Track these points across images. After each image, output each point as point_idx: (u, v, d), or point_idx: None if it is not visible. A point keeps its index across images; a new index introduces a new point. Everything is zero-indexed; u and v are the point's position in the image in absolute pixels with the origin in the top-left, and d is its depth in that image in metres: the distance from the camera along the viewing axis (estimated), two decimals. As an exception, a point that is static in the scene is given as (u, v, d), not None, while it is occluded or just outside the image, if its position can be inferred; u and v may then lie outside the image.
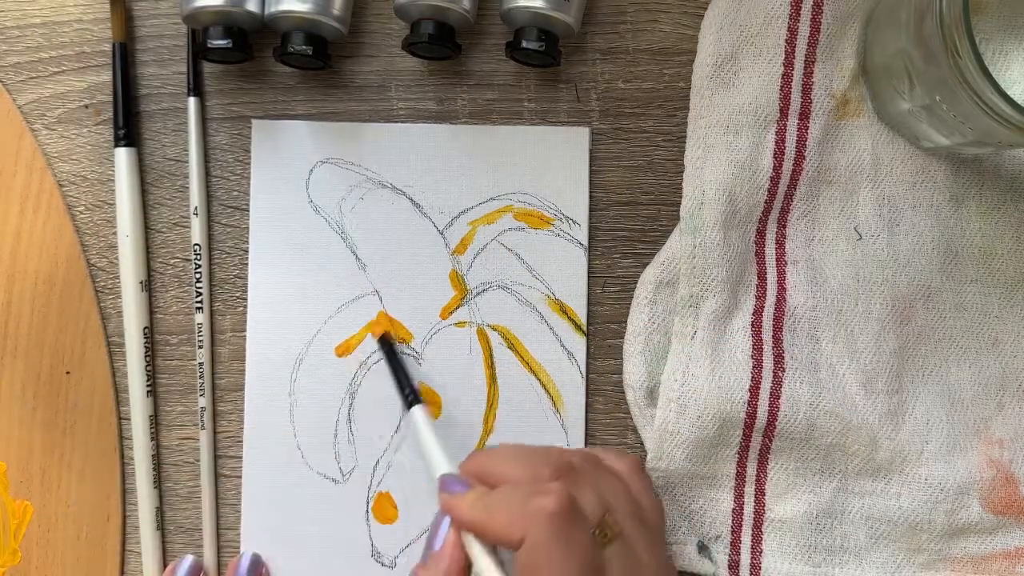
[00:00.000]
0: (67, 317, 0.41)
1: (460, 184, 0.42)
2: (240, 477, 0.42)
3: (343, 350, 0.42)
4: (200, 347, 0.41)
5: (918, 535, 0.40)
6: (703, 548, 0.41)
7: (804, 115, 0.40)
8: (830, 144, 0.41)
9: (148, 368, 0.41)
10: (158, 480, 0.42)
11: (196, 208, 0.42)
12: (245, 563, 0.40)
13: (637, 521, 0.35)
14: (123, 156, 0.41)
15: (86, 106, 0.42)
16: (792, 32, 0.40)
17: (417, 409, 0.39)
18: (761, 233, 0.41)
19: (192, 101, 0.42)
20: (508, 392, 0.42)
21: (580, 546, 0.32)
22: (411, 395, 0.40)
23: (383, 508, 0.41)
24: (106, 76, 0.42)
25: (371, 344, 0.42)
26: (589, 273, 0.42)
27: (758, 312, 0.41)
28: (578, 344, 0.42)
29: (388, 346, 0.41)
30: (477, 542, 0.34)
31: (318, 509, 0.41)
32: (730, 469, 0.41)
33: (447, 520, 0.35)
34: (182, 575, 0.40)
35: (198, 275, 0.41)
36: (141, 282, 0.41)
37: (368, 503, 0.41)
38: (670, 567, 0.36)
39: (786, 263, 0.41)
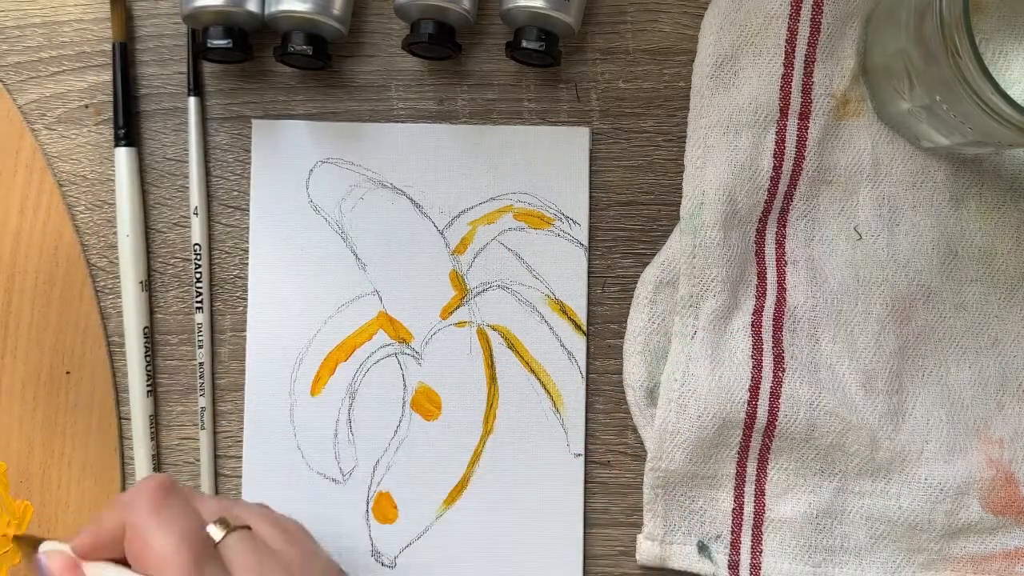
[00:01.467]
0: (67, 317, 0.41)
1: (460, 184, 0.42)
2: (240, 477, 0.41)
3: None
4: (200, 347, 0.41)
5: (918, 535, 0.40)
6: (703, 548, 0.41)
7: (804, 115, 0.40)
8: (830, 144, 0.41)
9: (148, 368, 0.41)
10: (158, 480, 0.42)
11: (196, 208, 0.42)
12: (245, 563, 0.40)
13: (277, 528, 0.34)
14: (123, 156, 0.41)
15: (86, 106, 0.42)
16: (792, 32, 0.40)
17: None
18: (761, 233, 0.41)
19: (192, 101, 0.42)
20: (508, 392, 0.42)
21: (181, 515, 0.31)
22: None
23: (383, 508, 0.41)
24: (106, 76, 0.42)
25: (371, 345, 0.42)
26: (589, 273, 0.42)
27: (758, 312, 0.41)
28: (578, 344, 0.42)
29: None
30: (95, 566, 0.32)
31: (318, 509, 0.41)
32: (730, 469, 0.41)
33: (42, 559, 0.33)
34: None
35: (198, 275, 0.41)
36: (141, 282, 0.41)
37: (368, 503, 0.41)
38: (327, 562, 0.35)
39: (786, 263, 0.41)
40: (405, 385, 0.42)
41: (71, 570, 0.32)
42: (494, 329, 0.42)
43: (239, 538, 0.32)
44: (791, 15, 0.40)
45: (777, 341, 0.40)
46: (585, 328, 0.42)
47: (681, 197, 0.41)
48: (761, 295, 0.41)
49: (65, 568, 0.32)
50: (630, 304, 0.42)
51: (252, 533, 0.33)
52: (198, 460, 0.42)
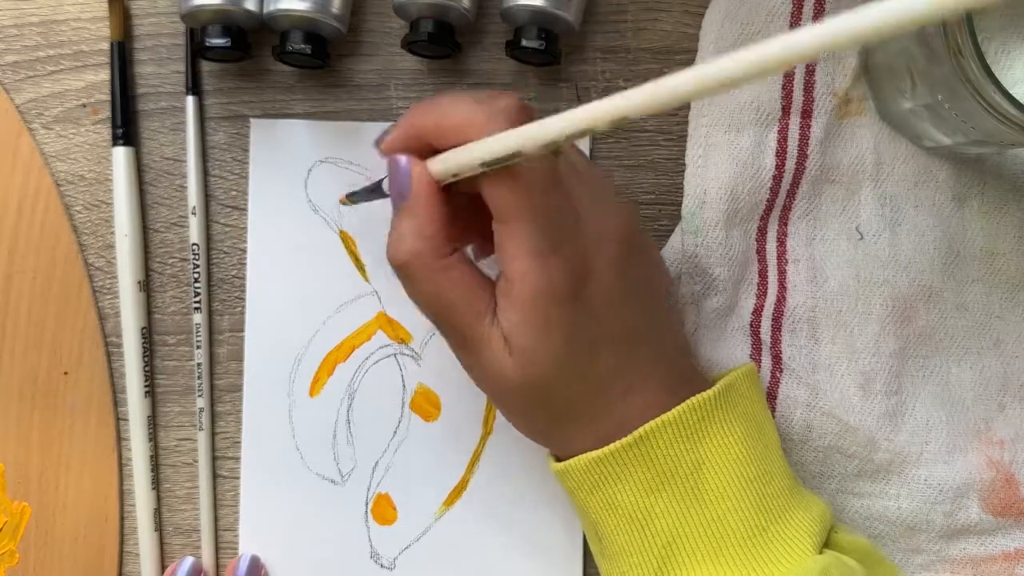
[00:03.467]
0: (65, 317, 0.41)
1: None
2: (238, 478, 0.41)
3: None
4: (198, 347, 0.41)
5: (917, 536, 0.40)
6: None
7: (807, 114, 0.40)
8: (832, 143, 0.41)
9: (146, 369, 0.41)
10: (156, 481, 0.41)
11: (194, 208, 0.41)
12: (244, 564, 0.40)
13: (576, 149, 0.35)
14: (121, 155, 0.41)
15: (84, 105, 0.42)
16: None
17: None
18: (762, 232, 0.41)
19: (190, 100, 0.42)
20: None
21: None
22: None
23: (382, 509, 0.41)
24: (104, 75, 0.42)
25: (370, 345, 0.42)
26: (589, 273, 0.42)
27: (757, 312, 0.40)
28: (578, 344, 0.42)
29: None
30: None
31: (317, 510, 0.41)
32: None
33: (402, 159, 0.32)
34: None
35: (196, 275, 0.41)
36: (139, 282, 0.41)
37: (367, 504, 0.41)
38: (617, 189, 0.36)
39: (787, 262, 0.41)
40: (404, 386, 0.42)
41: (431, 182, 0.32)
42: (494, 329, 0.42)
43: (563, 161, 0.32)
44: (792, 13, 0.40)
45: (776, 341, 0.40)
46: (585, 328, 0.42)
47: (682, 197, 0.41)
48: (762, 294, 0.41)
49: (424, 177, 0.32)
50: (630, 304, 0.42)
51: (567, 157, 0.33)
52: (196, 461, 0.41)
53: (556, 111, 0.27)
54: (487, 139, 0.30)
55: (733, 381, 0.34)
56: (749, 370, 0.35)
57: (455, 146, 0.31)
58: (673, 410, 0.33)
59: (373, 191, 0.37)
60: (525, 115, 0.31)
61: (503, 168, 0.30)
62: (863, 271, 0.41)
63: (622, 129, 0.42)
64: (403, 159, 0.32)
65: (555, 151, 0.31)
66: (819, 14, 0.40)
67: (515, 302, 0.31)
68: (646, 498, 0.33)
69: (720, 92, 0.24)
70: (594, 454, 0.33)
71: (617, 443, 0.33)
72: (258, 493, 0.41)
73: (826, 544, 0.34)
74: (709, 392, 0.33)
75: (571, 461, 0.34)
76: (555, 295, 0.31)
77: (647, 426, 0.32)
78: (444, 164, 0.32)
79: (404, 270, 0.33)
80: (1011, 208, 0.41)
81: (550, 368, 0.32)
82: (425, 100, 0.33)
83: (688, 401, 0.33)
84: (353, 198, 0.39)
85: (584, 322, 0.32)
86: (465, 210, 0.34)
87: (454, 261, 0.32)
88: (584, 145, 0.41)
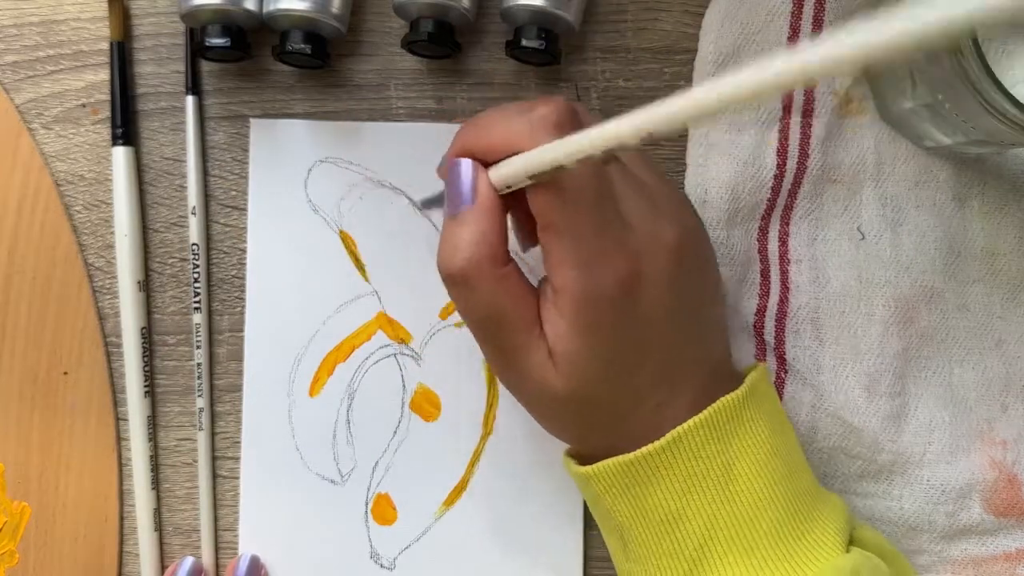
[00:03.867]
0: (64, 317, 0.41)
1: (460, 183, 0.42)
2: (238, 478, 0.41)
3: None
4: (198, 347, 0.41)
5: (919, 536, 0.40)
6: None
7: (807, 113, 0.40)
8: (834, 143, 0.41)
9: (146, 369, 0.41)
10: (156, 481, 0.41)
11: (194, 207, 0.41)
12: (244, 565, 0.40)
13: (634, 155, 0.34)
14: (121, 155, 0.41)
15: (83, 105, 0.42)
16: (794, 29, 0.40)
17: None
18: (764, 231, 0.41)
19: (190, 100, 0.42)
20: (508, 393, 0.41)
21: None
22: None
23: (382, 509, 0.41)
24: (104, 75, 0.42)
25: (370, 345, 0.42)
26: (589, 273, 0.42)
27: (760, 312, 0.40)
28: (578, 344, 0.41)
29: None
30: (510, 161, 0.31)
31: (317, 510, 0.41)
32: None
33: (466, 164, 0.32)
34: None
35: (196, 275, 0.41)
36: (139, 282, 0.41)
37: (367, 504, 0.41)
38: (681, 195, 0.34)
39: (789, 262, 0.41)
40: (404, 386, 0.41)
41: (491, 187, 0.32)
42: (494, 329, 0.42)
43: (615, 169, 0.32)
44: (793, 12, 0.40)
45: (780, 342, 0.40)
46: (585, 328, 0.42)
47: (682, 197, 0.41)
48: (764, 295, 0.41)
49: (484, 183, 0.32)
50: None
51: (624, 167, 0.32)
52: (196, 461, 0.41)
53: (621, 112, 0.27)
54: (530, 153, 0.30)
55: (756, 381, 0.34)
56: (764, 370, 0.35)
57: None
58: (705, 411, 0.32)
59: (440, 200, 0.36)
60: (569, 121, 0.30)
61: (549, 178, 0.30)
62: (865, 272, 0.40)
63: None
64: (467, 164, 0.32)
65: (606, 159, 0.31)
66: (820, 14, 0.40)
67: (561, 311, 0.31)
68: (678, 500, 0.32)
69: (752, 102, 0.23)
70: (625, 458, 0.32)
71: (650, 446, 0.32)
72: (258, 493, 0.41)
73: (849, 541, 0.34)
74: (738, 392, 0.33)
75: (599, 465, 0.33)
76: (600, 304, 0.31)
77: (680, 428, 0.32)
78: (497, 175, 0.32)
79: (460, 278, 0.32)
80: (1012, 208, 0.41)
81: (594, 377, 0.32)
82: (473, 118, 0.33)
83: (719, 402, 0.32)
84: (427, 204, 0.40)
85: (630, 332, 0.31)
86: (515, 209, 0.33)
87: (511, 271, 0.32)
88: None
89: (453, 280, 0.32)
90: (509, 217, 0.34)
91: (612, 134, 0.26)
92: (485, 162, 0.32)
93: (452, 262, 0.32)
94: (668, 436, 0.32)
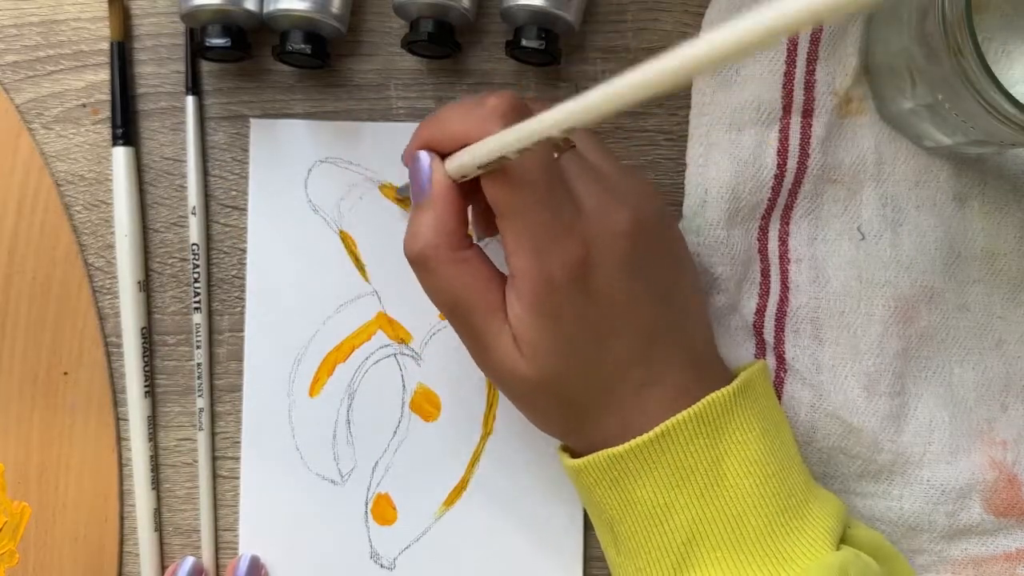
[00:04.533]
0: (65, 317, 0.41)
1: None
2: (238, 478, 0.41)
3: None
4: (198, 347, 0.41)
5: (919, 536, 0.40)
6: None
7: (807, 113, 0.40)
8: (834, 143, 0.41)
9: (146, 369, 0.41)
10: (156, 481, 0.41)
11: (194, 208, 0.41)
12: (244, 565, 0.40)
13: (592, 138, 0.35)
14: (121, 155, 0.41)
15: (84, 105, 0.42)
16: (794, 30, 0.40)
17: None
18: (764, 231, 0.41)
19: (190, 100, 0.42)
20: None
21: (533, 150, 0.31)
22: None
23: (382, 509, 0.41)
24: (104, 75, 0.42)
25: (370, 345, 0.42)
26: (589, 273, 0.42)
27: (760, 311, 0.40)
28: (578, 344, 0.41)
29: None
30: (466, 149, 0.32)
31: (317, 510, 0.41)
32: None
33: (423, 156, 0.34)
34: None
35: (196, 275, 0.41)
36: (139, 282, 0.41)
37: (367, 504, 0.41)
38: (642, 182, 0.35)
39: (789, 261, 0.41)
40: (404, 386, 0.41)
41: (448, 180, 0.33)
42: (494, 329, 0.42)
43: (570, 157, 0.33)
44: (793, 13, 0.40)
45: (779, 341, 0.40)
46: (585, 328, 0.42)
47: (683, 196, 0.41)
48: (764, 294, 0.41)
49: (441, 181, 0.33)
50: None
51: (580, 155, 0.34)
52: (196, 461, 0.41)
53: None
54: (475, 144, 0.31)
55: (751, 378, 0.34)
56: (763, 367, 0.35)
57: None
58: (694, 406, 0.32)
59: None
60: (512, 112, 0.32)
61: (498, 167, 0.31)
62: (865, 272, 0.40)
63: (622, 129, 0.42)
64: (424, 156, 0.34)
65: (555, 146, 0.32)
66: (819, 14, 0.40)
67: (519, 296, 0.32)
68: (666, 494, 0.33)
69: (661, 93, 0.24)
70: (614, 451, 0.33)
71: (638, 439, 0.32)
72: (258, 493, 0.41)
73: (842, 539, 0.34)
74: (729, 388, 0.33)
75: (589, 458, 0.34)
76: (555, 287, 0.31)
77: (669, 422, 0.32)
78: (451, 165, 0.33)
79: (420, 261, 0.33)
80: (1012, 208, 0.41)
81: (557, 361, 0.32)
82: (433, 112, 0.35)
83: (708, 397, 0.33)
84: (402, 192, 0.41)
85: (589, 314, 0.32)
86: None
87: (470, 255, 0.33)
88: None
89: (415, 263, 0.34)
90: (471, 208, 0.35)
91: (536, 128, 0.28)
92: (444, 153, 0.34)
93: (413, 246, 0.33)
94: (657, 429, 0.32)
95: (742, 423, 0.33)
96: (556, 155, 0.33)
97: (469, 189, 0.34)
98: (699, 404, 0.33)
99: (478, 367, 0.35)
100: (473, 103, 0.33)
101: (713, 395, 0.33)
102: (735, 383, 0.33)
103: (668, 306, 0.34)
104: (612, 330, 0.33)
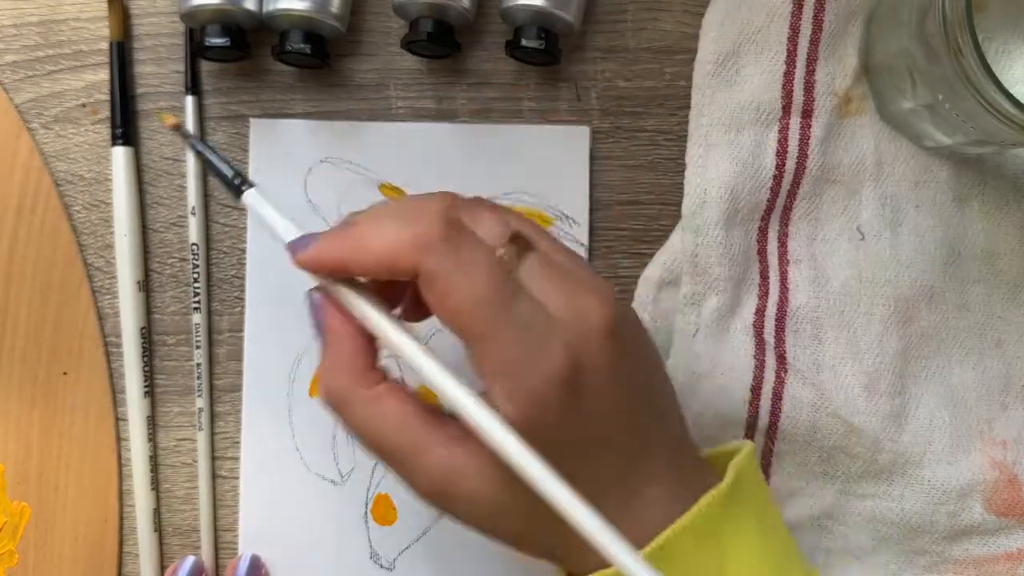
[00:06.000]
0: (64, 317, 0.41)
1: (459, 183, 0.42)
2: (238, 478, 0.41)
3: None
4: (198, 347, 0.41)
5: (920, 537, 0.40)
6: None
7: (807, 113, 0.40)
8: (833, 143, 0.41)
9: (145, 369, 0.41)
10: (156, 482, 0.41)
11: (194, 208, 0.41)
12: (244, 565, 0.40)
13: (548, 238, 0.31)
14: (120, 155, 0.41)
15: (83, 105, 0.42)
16: (794, 29, 0.40)
17: (250, 194, 0.32)
18: (763, 231, 0.41)
19: (190, 100, 0.42)
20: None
21: (477, 250, 0.29)
22: (239, 179, 0.32)
23: (382, 510, 0.41)
24: (103, 75, 0.42)
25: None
26: (589, 273, 0.42)
27: (760, 312, 0.40)
28: (578, 344, 0.41)
29: (187, 136, 0.38)
30: (362, 298, 0.30)
31: (316, 511, 0.41)
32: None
33: (315, 298, 0.31)
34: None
35: (196, 275, 0.41)
36: (138, 282, 0.41)
37: (367, 505, 0.41)
38: (604, 283, 0.31)
39: (788, 262, 0.41)
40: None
41: (346, 320, 0.30)
42: (494, 329, 0.41)
43: (531, 263, 0.29)
44: (793, 12, 0.40)
45: (780, 341, 0.40)
46: (585, 328, 0.41)
47: (682, 196, 0.41)
48: (763, 294, 0.41)
49: (340, 318, 0.31)
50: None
51: (545, 255, 0.30)
52: (195, 461, 0.41)
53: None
54: (364, 312, 0.30)
55: (740, 471, 0.32)
56: (750, 452, 0.33)
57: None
58: (689, 512, 0.30)
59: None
60: (452, 238, 0.29)
61: (447, 291, 0.28)
62: (865, 271, 0.40)
63: (622, 128, 0.42)
64: (316, 298, 0.31)
65: (516, 252, 0.30)
66: (820, 14, 0.40)
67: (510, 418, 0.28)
68: None
69: None
70: (612, 571, 0.29)
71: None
72: (258, 493, 0.41)
73: None
74: (721, 487, 0.31)
75: None
76: (546, 407, 0.28)
77: (666, 534, 0.30)
78: (352, 302, 0.30)
79: (329, 406, 0.31)
80: (1012, 208, 0.41)
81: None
82: (347, 217, 0.31)
83: (702, 500, 0.30)
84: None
85: (578, 427, 0.29)
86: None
87: (382, 392, 0.30)
88: (586, 145, 0.41)
89: (327, 407, 0.31)
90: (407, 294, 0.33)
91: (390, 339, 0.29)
92: (359, 273, 0.31)
93: (320, 390, 0.31)
94: (654, 544, 0.29)
95: (738, 522, 0.31)
96: (519, 258, 0.30)
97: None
98: (694, 510, 0.30)
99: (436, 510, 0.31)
100: (402, 213, 0.29)
101: (707, 497, 0.30)
102: (727, 481, 0.31)
103: (652, 407, 0.31)
104: (604, 441, 0.30)
